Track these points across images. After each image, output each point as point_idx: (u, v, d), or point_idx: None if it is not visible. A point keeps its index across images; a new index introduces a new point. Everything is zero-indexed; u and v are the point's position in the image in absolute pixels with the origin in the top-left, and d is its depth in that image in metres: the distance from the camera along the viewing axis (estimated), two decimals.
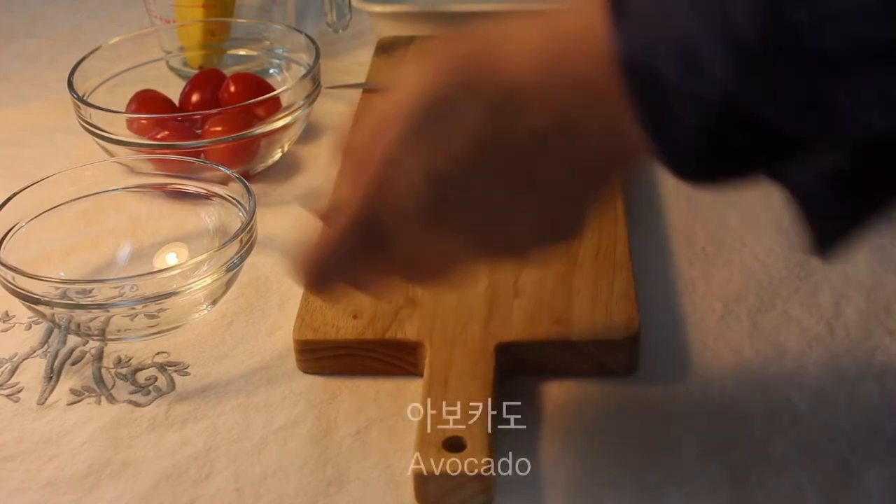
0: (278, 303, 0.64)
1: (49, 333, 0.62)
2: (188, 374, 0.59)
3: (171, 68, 0.88)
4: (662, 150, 0.38)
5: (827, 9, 0.34)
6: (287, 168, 0.78)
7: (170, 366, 0.60)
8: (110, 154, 0.74)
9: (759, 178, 0.40)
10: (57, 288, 0.59)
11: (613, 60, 0.37)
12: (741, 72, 0.35)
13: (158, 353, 0.60)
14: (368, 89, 0.85)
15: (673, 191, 0.73)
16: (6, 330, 0.63)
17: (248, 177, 0.76)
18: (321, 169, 0.77)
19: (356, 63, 0.92)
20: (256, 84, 0.78)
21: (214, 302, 0.63)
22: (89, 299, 0.59)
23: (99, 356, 0.60)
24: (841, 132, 0.36)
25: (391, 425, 0.55)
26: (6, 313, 0.64)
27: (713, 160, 0.38)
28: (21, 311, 0.64)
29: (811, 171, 0.41)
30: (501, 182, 0.42)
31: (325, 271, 0.48)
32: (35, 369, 0.60)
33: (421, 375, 0.56)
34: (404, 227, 0.44)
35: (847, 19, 0.34)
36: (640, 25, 0.37)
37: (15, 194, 0.65)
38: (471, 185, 0.42)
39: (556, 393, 0.56)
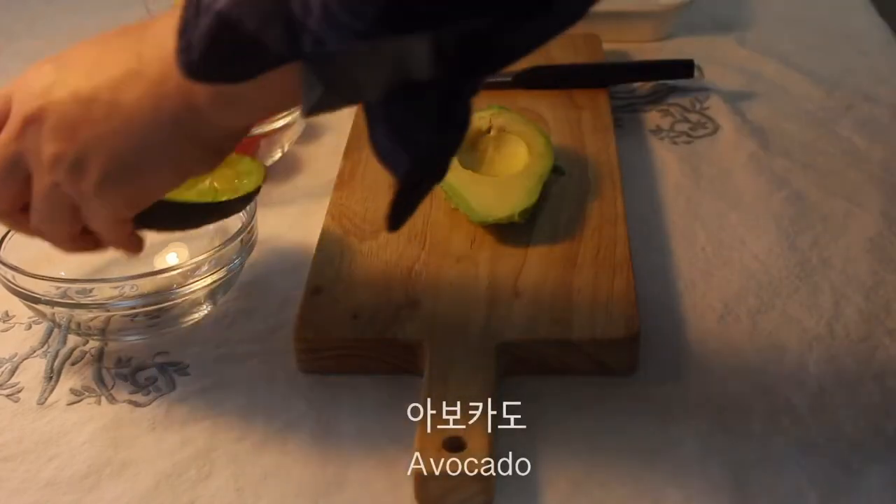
0: (278, 303, 0.64)
1: (49, 333, 0.62)
2: (188, 374, 0.59)
3: None
4: (181, 51, 0.46)
5: None
6: (287, 168, 0.78)
7: (170, 366, 0.60)
8: None
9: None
10: (57, 287, 0.59)
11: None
12: None
13: (158, 353, 0.60)
14: None
15: (673, 191, 0.73)
16: (6, 330, 0.63)
17: None
18: (321, 168, 0.77)
19: None
20: None
21: (214, 302, 0.63)
22: (89, 299, 0.59)
23: (99, 356, 0.60)
24: (299, 45, 0.43)
25: (391, 425, 0.55)
26: (6, 313, 0.64)
27: (212, 59, 0.45)
28: (21, 310, 0.64)
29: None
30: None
31: None
32: (35, 369, 0.60)
33: (421, 375, 0.56)
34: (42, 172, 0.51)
35: None
36: None
37: None
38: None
39: (556, 393, 0.56)
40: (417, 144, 0.46)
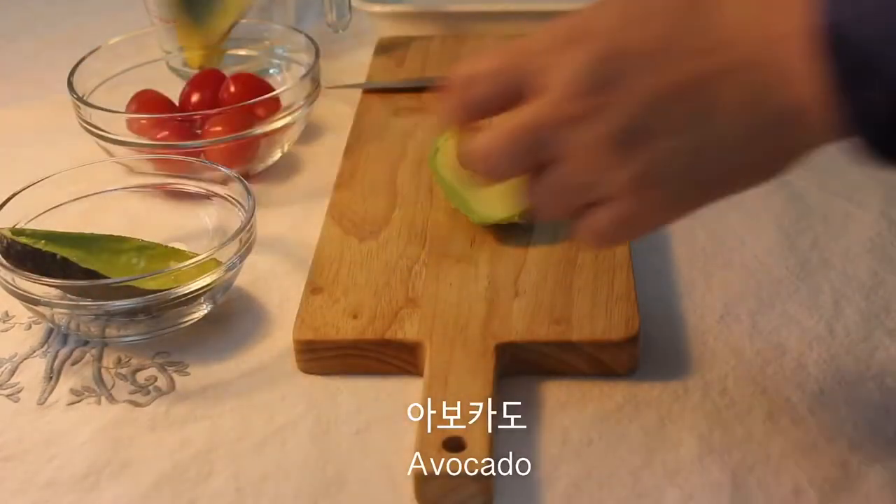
0: (278, 303, 0.64)
1: (49, 333, 0.62)
2: (188, 374, 0.59)
3: (171, 68, 0.88)
4: (856, 121, 0.38)
5: None
6: (287, 168, 0.78)
7: (170, 366, 0.60)
8: (110, 154, 0.74)
9: None
10: (56, 288, 0.59)
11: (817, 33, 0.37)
12: None
13: (158, 353, 0.60)
14: (368, 89, 0.85)
15: None
16: (6, 330, 0.63)
17: (247, 177, 0.76)
18: (321, 169, 0.77)
19: (356, 63, 0.92)
20: (256, 84, 0.78)
21: (215, 301, 0.63)
22: (88, 300, 0.59)
23: (99, 356, 0.60)
24: None
25: (391, 425, 0.55)
26: (6, 313, 0.64)
27: None
28: (21, 311, 0.64)
29: None
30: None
31: (495, 161, 0.47)
32: (35, 369, 0.60)
33: (421, 375, 0.56)
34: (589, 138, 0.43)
35: None
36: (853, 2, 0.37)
37: (15, 194, 0.65)
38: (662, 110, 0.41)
39: (556, 393, 0.56)
40: None
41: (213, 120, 0.73)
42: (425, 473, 0.49)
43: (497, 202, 0.65)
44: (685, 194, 0.43)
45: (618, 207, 0.44)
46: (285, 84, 0.79)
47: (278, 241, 0.70)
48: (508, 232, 0.65)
